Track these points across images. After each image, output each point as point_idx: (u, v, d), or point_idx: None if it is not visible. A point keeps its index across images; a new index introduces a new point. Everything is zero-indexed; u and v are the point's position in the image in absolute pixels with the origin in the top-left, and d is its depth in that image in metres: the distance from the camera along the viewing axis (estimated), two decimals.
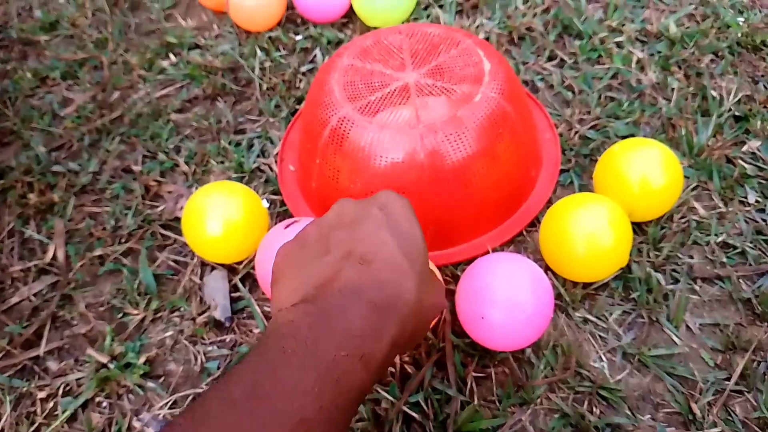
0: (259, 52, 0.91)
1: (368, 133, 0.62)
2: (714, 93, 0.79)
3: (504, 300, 0.54)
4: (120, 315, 0.66)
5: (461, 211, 0.65)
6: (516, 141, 0.66)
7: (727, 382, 0.57)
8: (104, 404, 0.60)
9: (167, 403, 0.59)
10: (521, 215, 0.70)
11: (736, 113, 0.77)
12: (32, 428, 0.58)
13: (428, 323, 0.45)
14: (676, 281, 0.64)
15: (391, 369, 0.59)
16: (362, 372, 0.37)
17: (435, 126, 0.61)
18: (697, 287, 0.64)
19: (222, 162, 0.79)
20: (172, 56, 0.93)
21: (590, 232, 0.60)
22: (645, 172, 0.63)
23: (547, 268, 0.65)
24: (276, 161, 0.77)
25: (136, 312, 0.66)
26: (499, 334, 0.55)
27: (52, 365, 0.63)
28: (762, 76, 0.82)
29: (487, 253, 0.66)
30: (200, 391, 0.59)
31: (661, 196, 0.64)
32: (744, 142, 0.75)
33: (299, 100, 0.85)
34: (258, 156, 0.79)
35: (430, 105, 0.63)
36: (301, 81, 0.87)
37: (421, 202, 0.63)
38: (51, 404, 0.60)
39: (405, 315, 0.39)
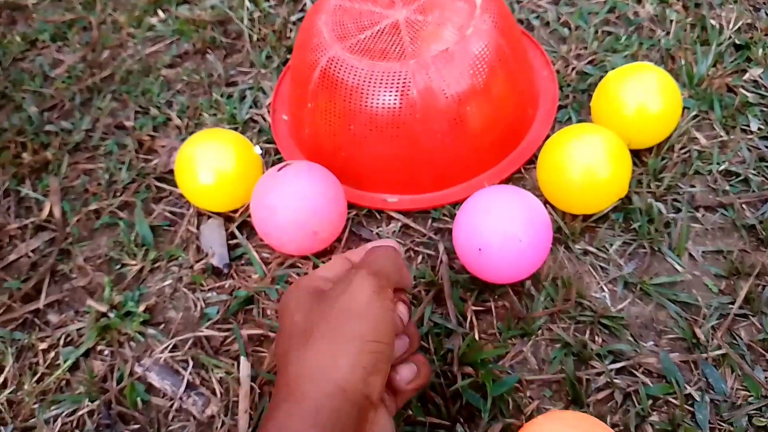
0: (247, 3, 0.89)
1: (359, 73, 0.60)
2: (713, 22, 0.77)
3: (500, 231, 0.54)
4: (118, 267, 0.66)
5: (457, 150, 0.64)
6: (511, 76, 0.65)
7: (731, 307, 0.56)
8: (105, 352, 0.60)
9: (167, 346, 0.59)
10: (519, 153, 0.69)
11: (737, 41, 0.75)
12: (35, 378, 0.59)
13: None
14: (678, 211, 0.63)
15: None
16: None
17: (426, 62, 0.60)
18: (699, 215, 0.63)
19: (215, 114, 0.78)
20: (160, 12, 0.92)
21: (587, 163, 0.58)
22: (641, 96, 0.62)
23: (546, 203, 0.64)
24: (269, 111, 0.76)
25: (134, 263, 0.65)
26: (496, 266, 0.55)
27: (53, 317, 0.63)
28: (764, 3, 0.80)
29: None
30: (200, 334, 0.59)
31: (659, 120, 0.63)
32: (745, 71, 0.73)
33: (290, 50, 0.83)
34: (250, 107, 0.78)
35: (420, 41, 0.62)
36: (291, 31, 0.86)
37: (416, 141, 0.62)
38: (52, 354, 0.60)
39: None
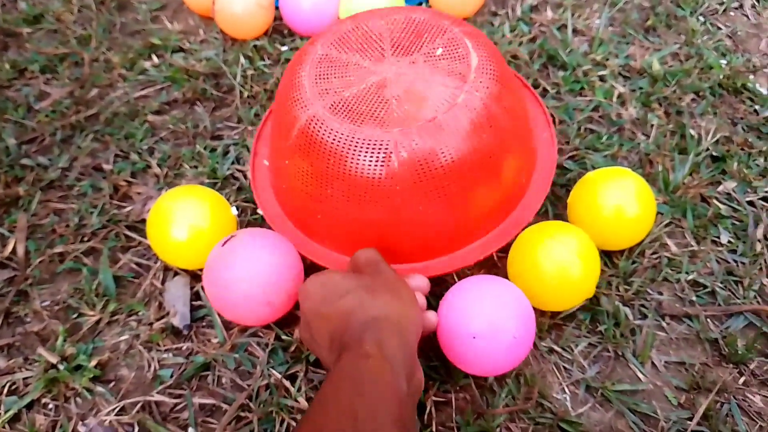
0: (242, 59, 0.90)
1: (340, 136, 0.57)
2: (693, 132, 0.80)
3: (494, 322, 0.54)
4: (75, 315, 0.64)
5: (438, 224, 0.61)
6: (503, 147, 0.61)
7: (689, 422, 0.56)
8: (50, 406, 0.58)
9: (114, 409, 0.57)
10: (501, 232, 0.65)
11: (714, 153, 0.78)
12: None
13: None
14: (644, 317, 0.64)
15: None
16: None
17: (411, 131, 0.56)
18: (664, 324, 0.64)
19: (195, 167, 0.78)
20: (154, 58, 0.92)
21: (557, 261, 0.59)
22: (618, 199, 0.64)
23: None
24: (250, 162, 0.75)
25: (92, 313, 0.64)
26: (484, 357, 0.54)
27: (0, 362, 0.61)
28: (741, 118, 0.83)
29: (458, 270, 0.64)
30: (150, 399, 0.57)
31: (633, 224, 0.64)
32: (720, 182, 0.75)
33: None
34: (233, 163, 0.78)
35: (408, 105, 0.58)
36: None
37: (395, 211, 0.59)
38: None
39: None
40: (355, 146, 0.57)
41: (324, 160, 0.58)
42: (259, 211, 0.72)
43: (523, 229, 0.64)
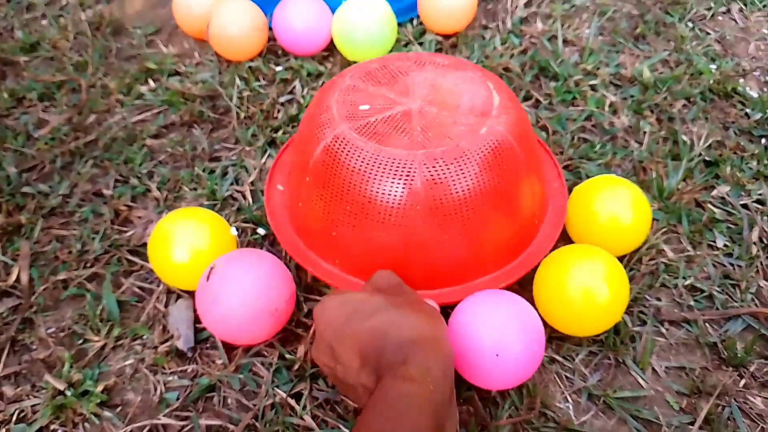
0: (238, 81, 0.91)
1: (363, 154, 0.58)
2: (685, 138, 0.81)
3: (510, 339, 0.54)
4: (80, 341, 0.64)
5: (454, 250, 0.61)
6: (520, 183, 0.63)
7: (691, 427, 0.57)
8: None
9: None
10: (518, 265, 0.66)
11: (707, 158, 0.79)
12: None
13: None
14: (643, 323, 0.64)
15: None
16: None
17: (434, 154, 0.58)
18: (663, 330, 0.64)
19: (195, 189, 0.78)
20: (151, 82, 0.93)
21: (588, 291, 0.59)
22: (615, 207, 0.65)
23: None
24: (251, 188, 0.76)
25: (97, 339, 0.64)
26: (501, 373, 0.55)
27: (8, 390, 0.61)
28: (733, 122, 0.84)
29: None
30: (157, 422, 0.58)
31: (629, 232, 0.65)
32: (713, 187, 0.76)
33: (276, 130, 0.85)
34: (231, 184, 0.79)
35: (432, 132, 0.60)
36: (279, 111, 0.88)
37: (413, 233, 0.59)
38: (2, 431, 0.58)
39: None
40: (378, 165, 0.58)
41: (346, 177, 0.59)
42: (260, 230, 0.73)
43: (531, 269, 0.65)
